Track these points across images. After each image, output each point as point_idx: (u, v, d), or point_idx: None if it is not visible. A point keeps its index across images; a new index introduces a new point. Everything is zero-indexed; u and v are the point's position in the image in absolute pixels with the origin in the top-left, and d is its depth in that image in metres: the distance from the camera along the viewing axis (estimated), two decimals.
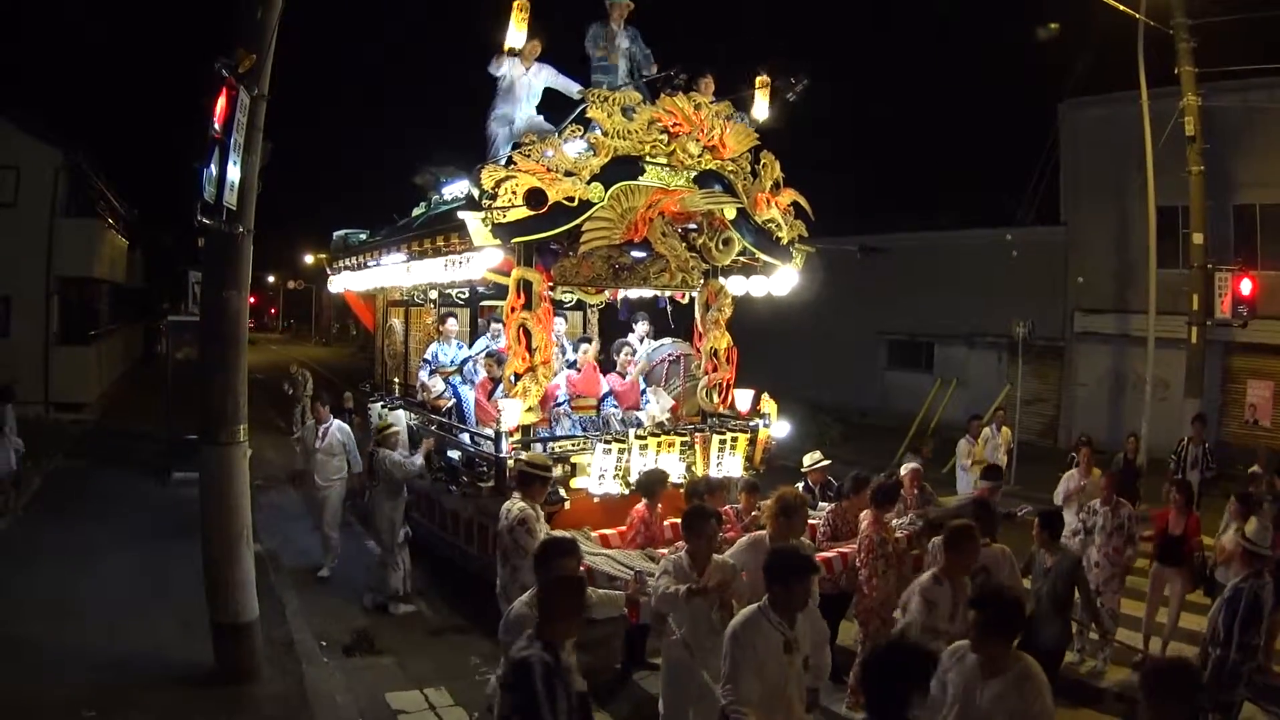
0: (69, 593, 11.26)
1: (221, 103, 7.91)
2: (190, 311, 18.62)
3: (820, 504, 10.89)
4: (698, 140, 11.20)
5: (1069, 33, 23.66)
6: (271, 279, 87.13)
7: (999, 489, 11.56)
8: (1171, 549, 10.38)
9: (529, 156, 10.17)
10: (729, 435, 12.01)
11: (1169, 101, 19.12)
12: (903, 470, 11.58)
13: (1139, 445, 14.87)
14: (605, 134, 10.59)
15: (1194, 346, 19.33)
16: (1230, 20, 18.38)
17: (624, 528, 10.13)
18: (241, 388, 8.99)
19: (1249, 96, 20.60)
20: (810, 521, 10.59)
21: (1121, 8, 18.51)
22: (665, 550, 9.11)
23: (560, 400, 12.18)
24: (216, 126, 7.89)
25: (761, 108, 11.98)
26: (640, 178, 10.89)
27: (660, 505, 9.98)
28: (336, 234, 17.29)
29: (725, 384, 12.70)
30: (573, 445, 11.13)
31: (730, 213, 11.78)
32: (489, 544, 9.93)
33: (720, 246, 12.06)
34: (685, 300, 13.29)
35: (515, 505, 8.52)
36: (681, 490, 10.34)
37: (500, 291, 11.14)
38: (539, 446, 10.59)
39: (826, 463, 11.57)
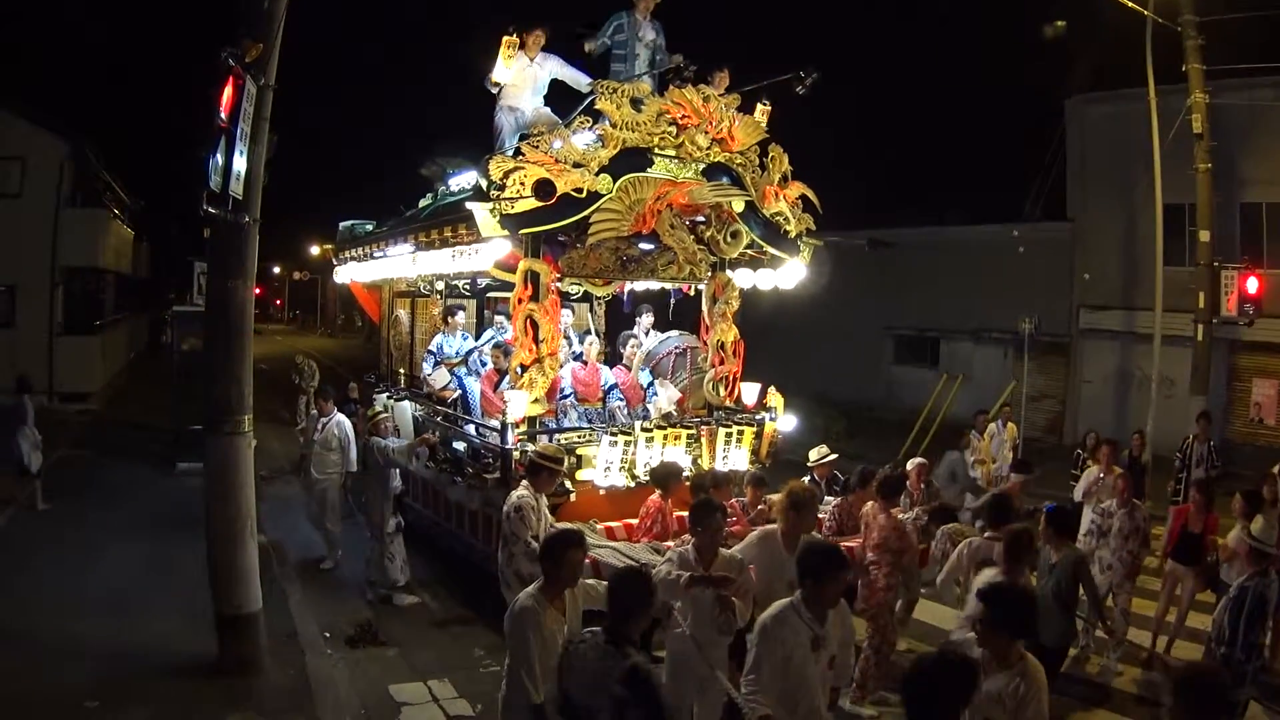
0: (72, 583, 11.28)
1: (228, 92, 7.90)
2: (195, 302, 18.58)
3: (827, 498, 10.86)
4: (706, 133, 11.15)
5: (1077, 29, 23.59)
6: (277, 270, 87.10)
7: (1029, 482, 11.51)
8: (1187, 547, 10.34)
9: (537, 147, 10.15)
10: (735, 429, 11.97)
11: (1176, 98, 19.05)
12: (909, 465, 11.56)
13: (1144, 443, 14.79)
14: (614, 125, 10.55)
15: (1200, 344, 19.25)
16: (1238, 18, 18.31)
17: (634, 520, 10.16)
18: (247, 378, 8.98)
19: (1256, 94, 20.55)
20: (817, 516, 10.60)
21: (1130, 4, 18.43)
22: (671, 543, 9.12)
23: (566, 393, 12.16)
24: (223, 116, 7.88)
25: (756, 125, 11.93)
26: (649, 170, 10.85)
27: (673, 499, 9.99)
28: (343, 224, 17.26)
29: (732, 377, 12.66)
30: (579, 437, 11.12)
31: (738, 205, 11.74)
32: (494, 536, 9.89)
33: (728, 239, 12.02)
34: (692, 293, 13.26)
35: (516, 493, 8.63)
36: (688, 483, 10.31)
37: (507, 283, 11.12)
38: (544, 438, 10.56)
39: (833, 457, 11.55)
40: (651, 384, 12.89)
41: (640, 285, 13.22)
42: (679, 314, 14.49)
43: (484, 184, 10.04)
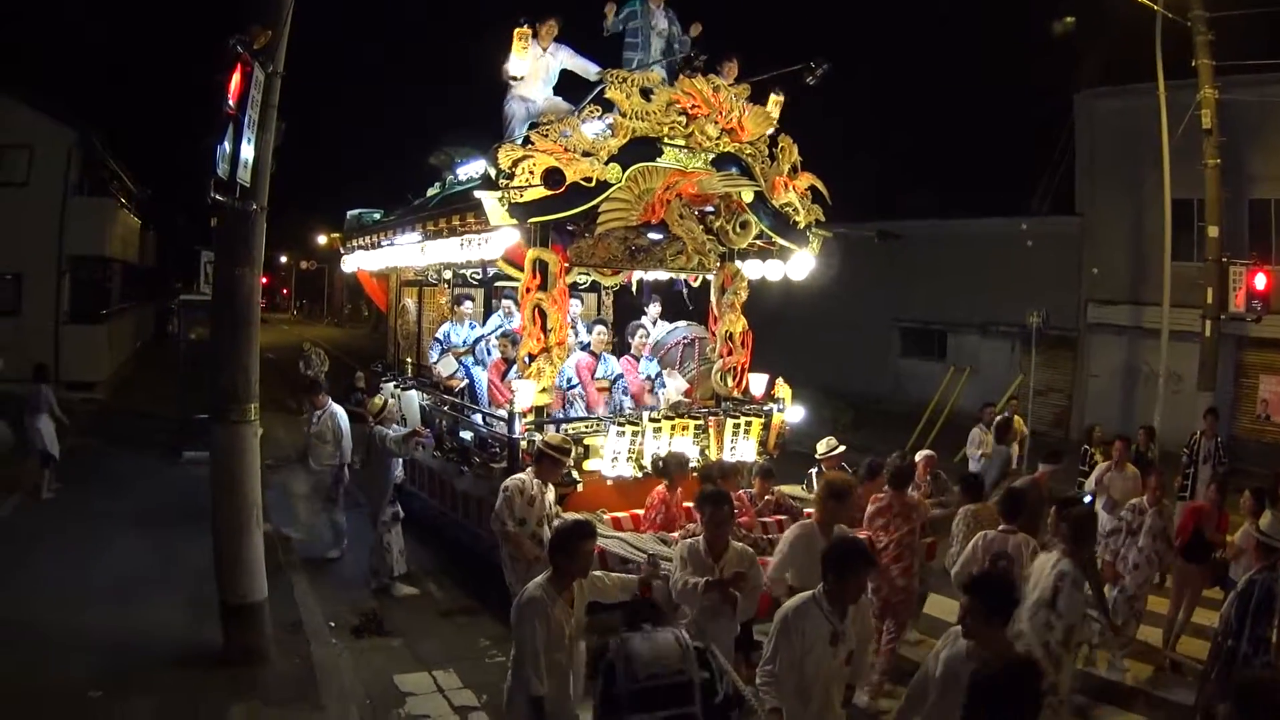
0: (77, 572, 11.28)
1: (236, 79, 7.86)
2: (202, 291, 18.56)
3: None
4: (716, 123, 11.12)
5: (1087, 23, 23.48)
6: (284, 259, 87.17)
7: (1058, 472, 11.46)
8: (1198, 546, 10.30)
9: (547, 136, 10.12)
10: (743, 419, 11.97)
11: (1186, 94, 18.94)
12: (917, 457, 11.52)
13: (1151, 438, 14.73)
14: (623, 115, 10.52)
15: (1207, 340, 19.16)
16: (1249, 13, 18.20)
17: (640, 510, 10.14)
18: (253, 366, 8.95)
19: (1266, 91, 20.42)
20: None
21: None
22: (678, 534, 9.11)
23: (573, 383, 12.13)
24: (231, 103, 7.83)
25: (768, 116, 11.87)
26: (658, 159, 10.82)
27: (680, 489, 9.98)
28: (350, 213, 17.23)
29: (740, 368, 12.65)
30: (586, 427, 11.10)
31: (748, 196, 11.70)
32: None
33: (737, 229, 11.97)
34: (698, 283, 13.24)
35: (516, 475, 8.91)
36: (695, 474, 10.30)
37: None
38: (552, 428, 10.54)
39: (841, 449, 11.52)
40: (659, 374, 12.85)
41: (648, 275, 13.18)
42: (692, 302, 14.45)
43: (493, 172, 10.03)
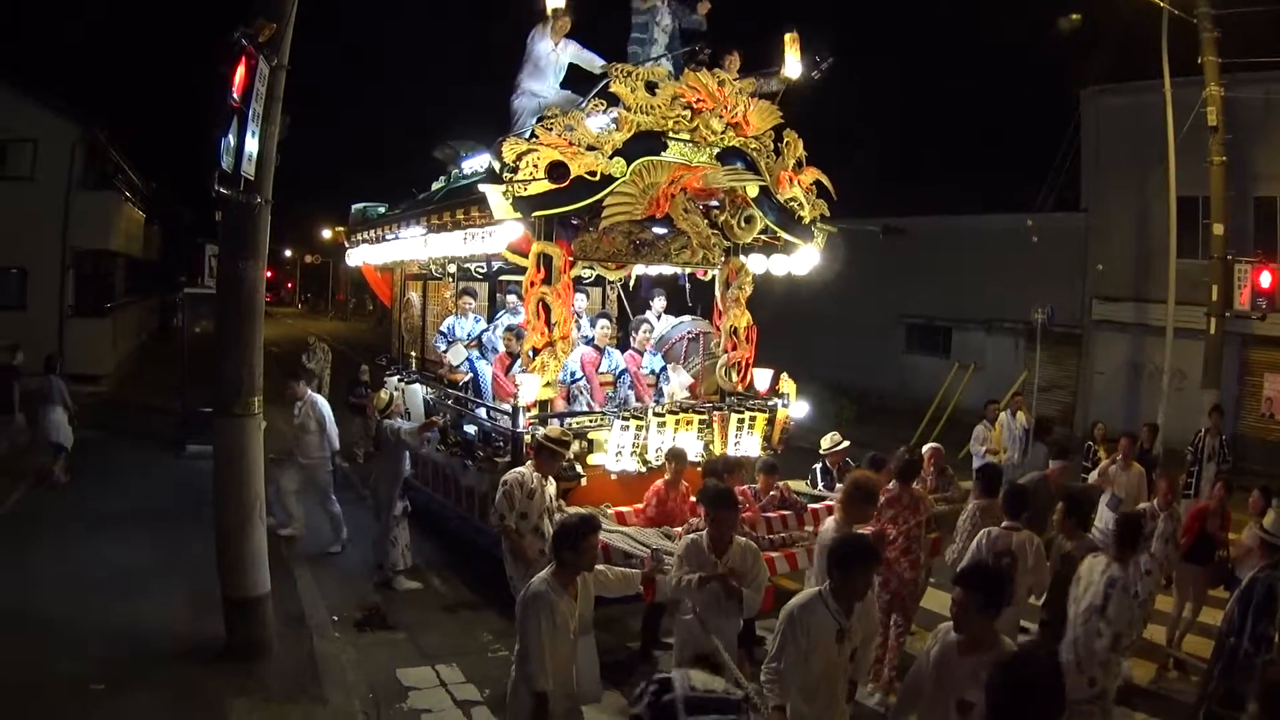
0: (80, 565, 11.29)
1: (240, 72, 7.83)
2: (206, 285, 18.60)
3: (838, 486, 10.82)
4: (721, 117, 11.10)
5: (1093, 19, 23.44)
6: (288, 253, 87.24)
7: (1069, 469, 11.42)
8: (1202, 546, 10.28)
9: (551, 130, 10.10)
10: (747, 414, 11.96)
11: (1191, 91, 18.93)
12: (924, 449, 11.51)
13: (1155, 435, 14.69)
14: (628, 109, 10.50)
15: (1212, 338, 19.16)
16: (1255, 11, 18.16)
17: (640, 504, 10.14)
18: (257, 360, 8.95)
19: (1272, 89, 20.40)
20: (827, 503, 10.58)
21: None
22: (680, 529, 9.10)
23: (576, 376, 12.13)
24: (235, 96, 7.81)
25: (793, 65, 11.78)
26: (663, 153, 10.80)
27: (685, 484, 9.98)
28: (355, 207, 17.25)
29: (744, 363, 12.64)
30: (590, 421, 11.09)
31: (752, 190, 11.68)
32: None
33: (742, 224, 11.95)
34: (707, 277, 13.22)
35: (516, 470, 8.96)
36: (699, 469, 10.29)
37: (519, 266, 11.09)
38: (556, 422, 10.53)
39: (845, 445, 11.51)
40: (664, 369, 12.84)
41: (652, 270, 13.17)
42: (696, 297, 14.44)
43: (497, 166, 10.02)
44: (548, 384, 10.65)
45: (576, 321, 12.64)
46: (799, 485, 11.65)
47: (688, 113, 10.88)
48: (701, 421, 11.57)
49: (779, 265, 12.68)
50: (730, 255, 12.58)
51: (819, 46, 11.88)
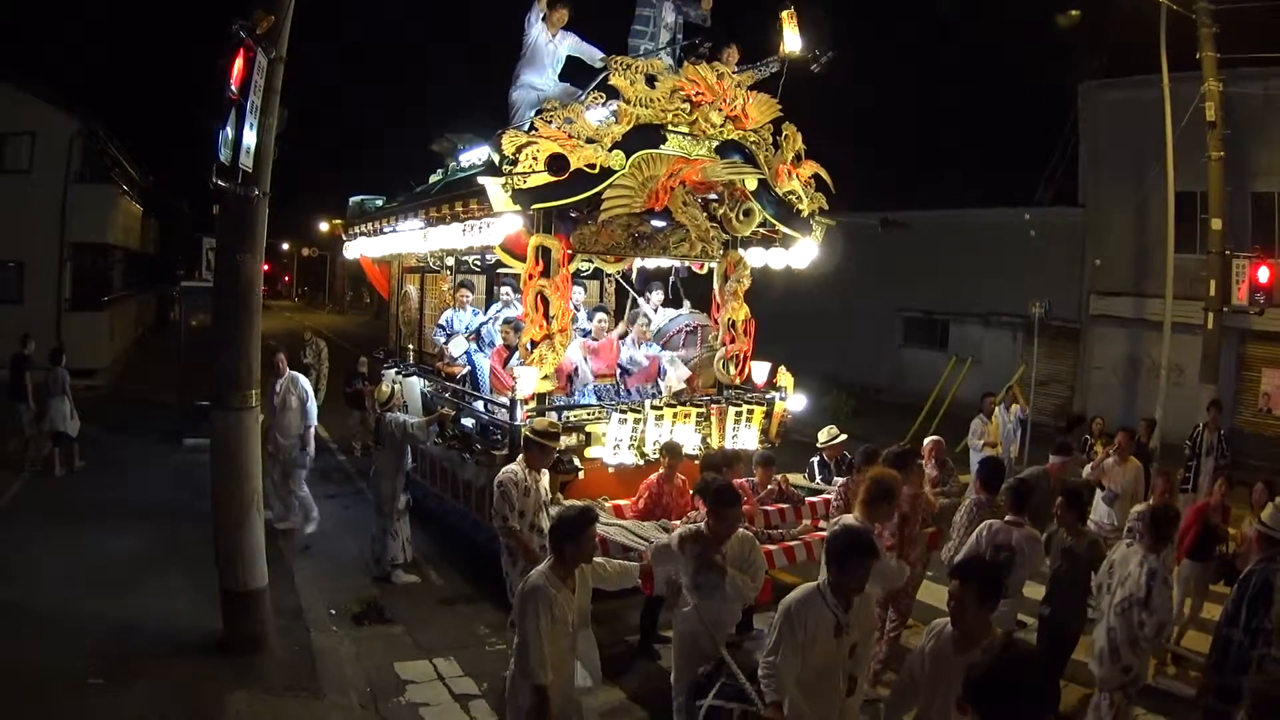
0: (78, 558, 11.27)
1: (238, 64, 7.81)
2: (204, 278, 18.58)
3: (835, 479, 10.83)
4: (720, 110, 11.07)
5: (1092, 14, 23.43)
6: (286, 246, 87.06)
7: (1070, 464, 11.40)
8: (1204, 542, 10.27)
9: (550, 123, 10.07)
10: (745, 408, 11.97)
11: (1190, 86, 18.90)
12: (926, 441, 11.51)
13: (1152, 430, 14.69)
14: (627, 101, 10.48)
15: (1210, 333, 19.14)
16: (1253, 6, 18.15)
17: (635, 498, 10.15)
18: (254, 353, 8.92)
19: (1270, 84, 20.45)
20: (825, 497, 10.58)
21: None
22: (679, 522, 9.08)
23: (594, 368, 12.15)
24: (233, 88, 7.79)
25: (792, 39, 11.72)
26: (662, 146, 10.77)
27: (681, 478, 9.98)
28: (353, 200, 17.22)
29: (742, 356, 12.62)
30: (588, 414, 11.09)
31: (751, 183, 11.68)
32: None
33: (741, 217, 11.96)
34: (704, 270, 13.21)
35: (506, 468, 8.83)
36: (696, 462, 10.28)
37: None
38: (554, 415, 10.52)
39: (843, 438, 11.52)
40: (642, 363, 12.82)
41: (650, 263, 13.16)
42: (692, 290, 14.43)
43: (496, 159, 10.00)
44: (545, 377, 10.63)
45: (574, 314, 12.65)
46: (797, 478, 11.65)
47: (687, 106, 10.85)
48: (699, 414, 11.58)
49: (777, 258, 12.69)
50: (729, 248, 12.55)
51: (818, 39, 11.86)
